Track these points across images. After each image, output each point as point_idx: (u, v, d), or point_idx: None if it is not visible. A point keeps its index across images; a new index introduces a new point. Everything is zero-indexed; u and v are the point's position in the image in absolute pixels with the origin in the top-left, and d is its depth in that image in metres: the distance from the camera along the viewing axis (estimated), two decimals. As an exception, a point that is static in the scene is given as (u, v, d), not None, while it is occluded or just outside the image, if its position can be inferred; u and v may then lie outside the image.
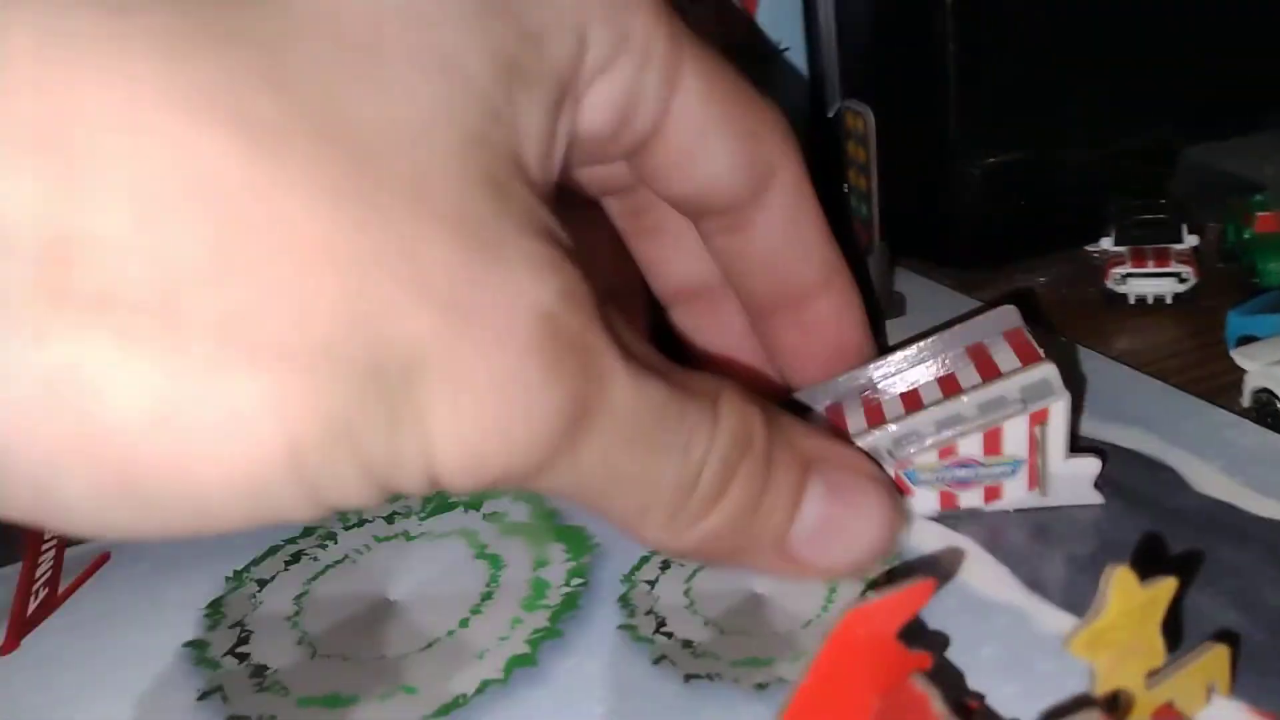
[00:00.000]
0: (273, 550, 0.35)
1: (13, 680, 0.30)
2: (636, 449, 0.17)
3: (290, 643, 0.30)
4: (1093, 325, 0.44)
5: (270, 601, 0.32)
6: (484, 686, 0.28)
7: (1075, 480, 0.28)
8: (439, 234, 0.14)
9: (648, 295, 0.28)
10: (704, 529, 0.18)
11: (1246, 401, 0.37)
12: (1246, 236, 0.46)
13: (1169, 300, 0.45)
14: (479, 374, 0.14)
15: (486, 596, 0.31)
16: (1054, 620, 0.28)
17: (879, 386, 0.30)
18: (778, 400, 0.26)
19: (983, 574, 0.30)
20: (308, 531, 0.35)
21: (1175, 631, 0.26)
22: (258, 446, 0.13)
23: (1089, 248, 0.48)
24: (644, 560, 0.32)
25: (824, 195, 0.57)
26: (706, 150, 0.20)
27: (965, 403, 0.27)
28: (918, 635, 0.27)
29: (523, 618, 0.30)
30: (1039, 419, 0.26)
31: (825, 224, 0.23)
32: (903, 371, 0.30)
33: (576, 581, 0.32)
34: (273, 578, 0.33)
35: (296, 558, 0.34)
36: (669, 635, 0.29)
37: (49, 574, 0.33)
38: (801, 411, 0.29)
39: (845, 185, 0.49)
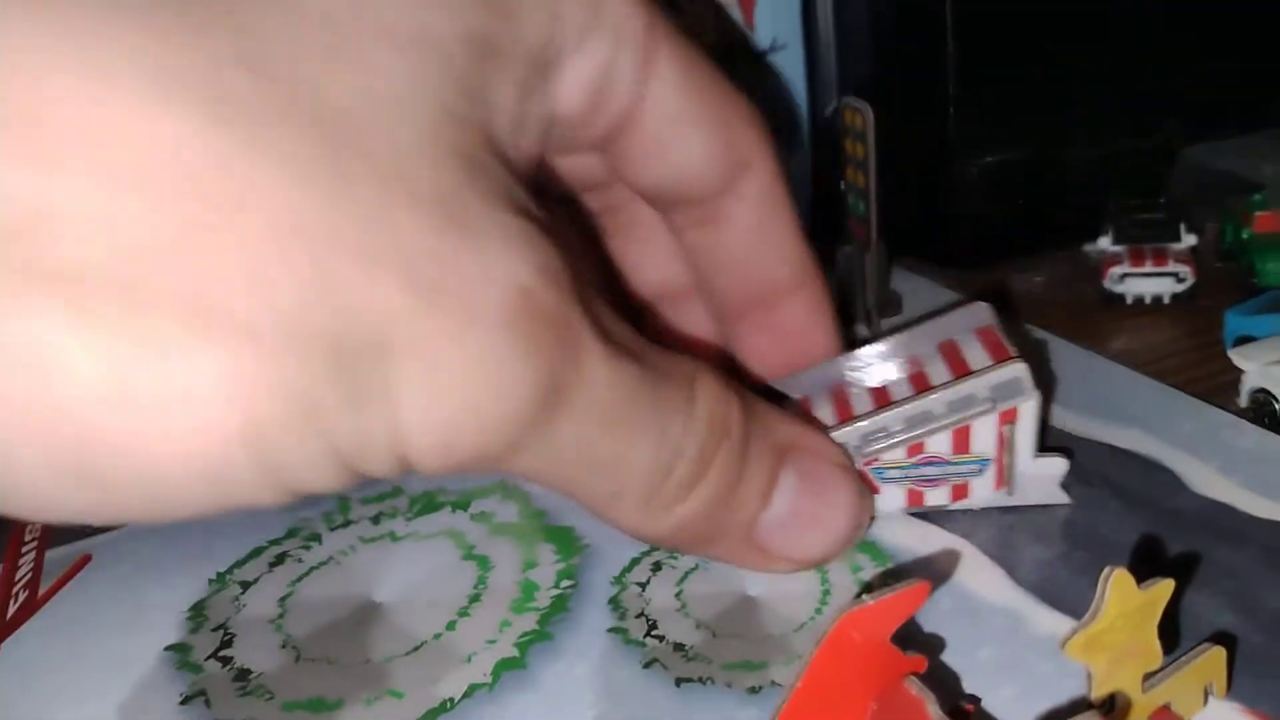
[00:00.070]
0: (256, 552, 0.34)
1: (-8, 684, 0.29)
2: (612, 430, 0.16)
3: (274, 646, 0.30)
4: (1090, 325, 0.44)
5: (254, 604, 0.32)
6: (471, 690, 0.27)
7: (1042, 480, 0.27)
8: (410, 209, 0.13)
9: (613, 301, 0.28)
10: (679, 515, 0.18)
11: (1244, 401, 0.36)
12: (1245, 236, 0.46)
13: (1167, 300, 0.45)
14: (450, 351, 0.14)
15: (474, 599, 0.31)
16: (1050, 622, 0.27)
17: (849, 381, 0.29)
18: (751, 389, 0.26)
19: (979, 576, 0.29)
20: (292, 533, 0.35)
21: (1172, 633, 0.26)
22: (214, 424, 0.13)
23: (1087, 247, 0.48)
24: (635, 562, 0.32)
25: (823, 194, 0.56)
26: (680, 138, 0.20)
27: (935, 400, 0.27)
28: (912, 638, 0.26)
29: (511, 620, 0.30)
30: (1008, 418, 0.25)
31: (798, 224, 0.23)
32: (873, 367, 0.29)
33: (566, 583, 0.31)
34: (256, 580, 0.33)
35: (281, 559, 0.34)
36: (660, 638, 0.28)
37: (29, 576, 0.32)
38: (776, 399, 0.29)
39: (842, 182, 0.49)
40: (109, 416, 0.12)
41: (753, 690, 0.26)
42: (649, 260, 0.23)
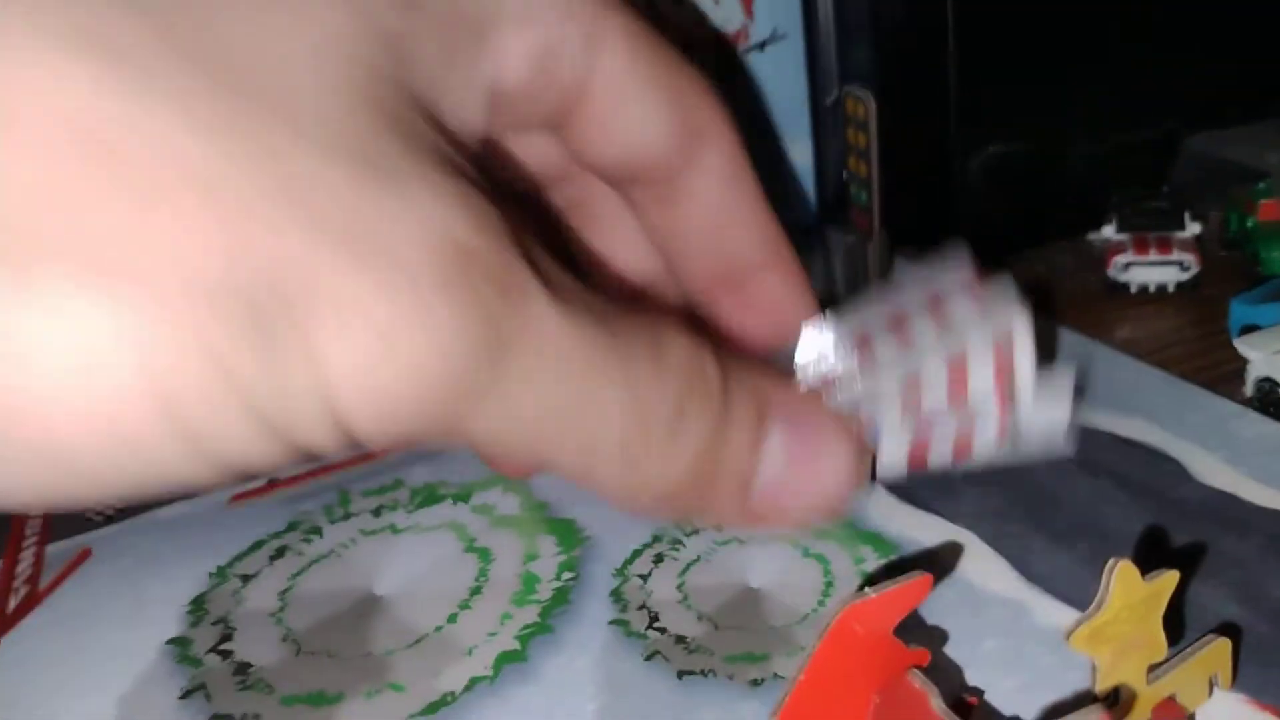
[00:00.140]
0: (257, 545, 0.34)
1: (-8, 678, 0.29)
2: (573, 385, 0.15)
3: (274, 639, 0.30)
4: (1095, 314, 0.44)
5: (254, 598, 0.31)
6: (473, 684, 0.27)
7: (1046, 430, 0.25)
8: (327, 160, 0.13)
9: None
10: (663, 471, 0.17)
11: (1250, 391, 0.36)
12: (1249, 225, 0.46)
13: (1171, 289, 0.44)
14: (379, 306, 0.13)
15: (475, 591, 0.31)
16: (1054, 613, 0.27)
17: (833, 345, 0.27)
18: None
19: (982, 567, 0.29)
20: (292, 526, 0.35)
21: (1177, 625, 0.26)
22: (120, 388, 0.12)
23: (1091, 236, 0.47)
24: (636, 554, 0.31)
25: (826, 183, 0.56)
26: (634, 108, 0.19)
27: (923, 335, 0.25)
28: (916, 630, 0.26)
29: (512, 613, 0.30)
30: (1005, 368, 0.24)
31: (764, 198, 0.22)
32: (856, 327, 0.28)
33: (567, 576, 0.31)
34: (257, 573, 0.33)
35: (281, 552, 0.33)
36: (662, 631, 0.28)
37: (29, 571, 0.32)
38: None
39: (844, 172, 0.49)
40: (4, 384, 0.11)
41: (755, 683, 0.26)
42: (618, 249, 0.23)
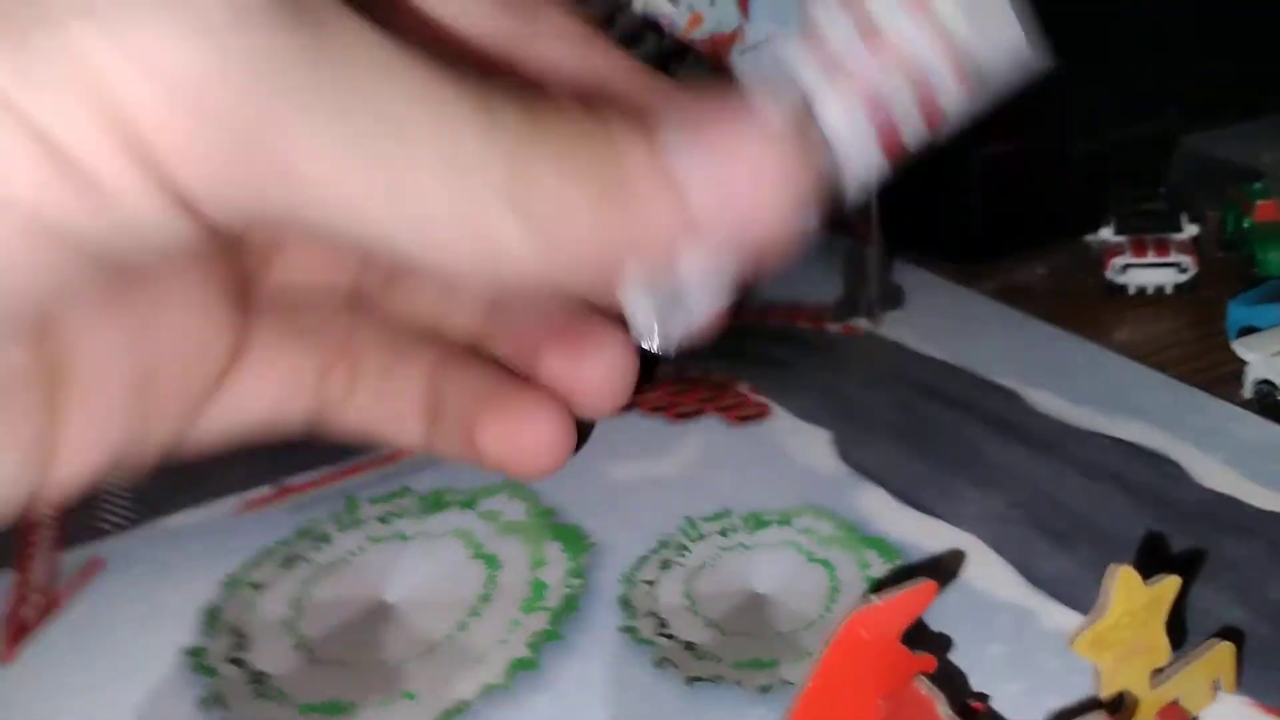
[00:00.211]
0: (266, 552, 0.34)
1: (13, 690, 0.29)
2: (387, 84, 0.13)
3: (288, 648, 0.30)
4: (1093, 316, 0.44)
5: (267, 606, 0.32)
6: (486, 691, 0.27)
7: (1000, 43, 0.18)
8: None
9: None
10: (547, 203, 0.14)
11: (1248, 393, 0.37)
12: (1246, 225, 0.46)
13: (1169, 290, 0.45)
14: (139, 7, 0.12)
15: (485, 598, 0.31)
16: (1059, 617, 0.28)
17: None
18: None
19: (987, 572, 0.30)
20: (301, 533, 0.35)
21: (1180, 629, 0.26)
22: None
23: (1088, 237, 0.48)
24: (643, 560, 0.32)
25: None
26: None
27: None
28: (922, 636, 0.27)
29: (522, 620, 0.30)
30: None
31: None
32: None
33: (575, 582, 0.31)
34: (268, 581, 0.33)
35: (291, 560, 0.34)
36: (671, 637, 0.29)
37: (43, 580, 0.33)
38: None
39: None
40: None
41: (763, 689, 0.26)
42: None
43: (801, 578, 0.30)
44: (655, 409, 0.41)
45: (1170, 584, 0.23)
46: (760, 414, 0.40)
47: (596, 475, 0.37)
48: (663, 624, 0.29)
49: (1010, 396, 0.39)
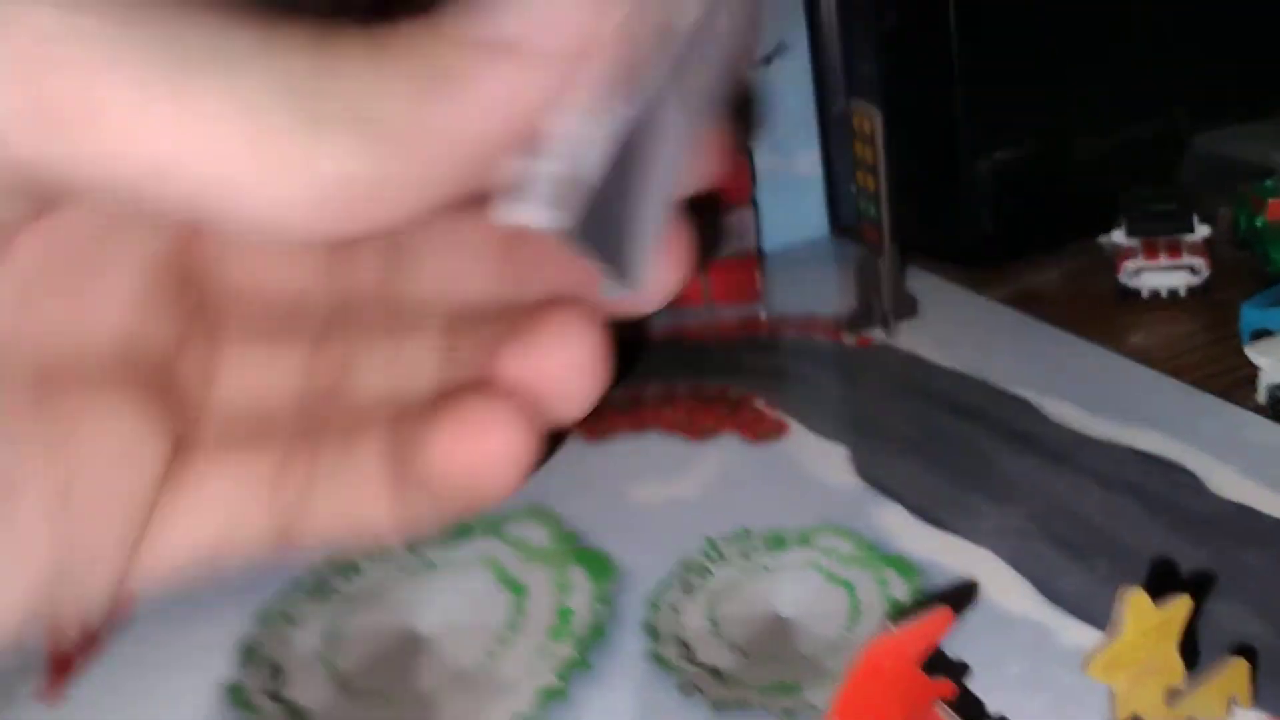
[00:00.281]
0: (296, 584, 0.35)
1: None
2: (211, 40, 0.12)
3: (323, 680, 0.31)
4: (1107, 321, 0.44)
5: (301, 638, 0.33)
6: (515, 720, 0.28)
7: None
8: None
9: None
10: (372, 118, 0.12)
11: (1262, 398, 0.37)
12: (1258, 224, 0.46)
13: (1182, 293, 0.45)
14: None
15: (513, 627, 0.32)
16: (1077, 634, 0.28)
17: None
18: None
19: (1005, 589, 0.30)
20: (330, 564, 0.36)
21: (1195, 645, 0.26)
22: None
23: (1101, 239, 0.48)
24: (665, 584, 0.32)
25: (835, 194, 0.56)
26: None
27: None
28: (941, 662, 0.27)
29: (550, 648, 0.31)
30: None
31: None
32: None
33: (601, 608, 0.32)
34: (301, 613, 0.34)
35: (321, 590, 0.35)
36: (696, 662, 0.29)
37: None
38: None
39: (853, 186, 0.49)
40: None
41: (788, 714, 0.27)
42: None
43: (823, 599, 0.31)
44: (674, 427, 0.42)
45: (1181, 605, 0.23)
46: (778, 430, 0.40)
47: (617, 497, 0.38)
48: (687, 649, 0.30)
49: (1025, 406, 0.39)
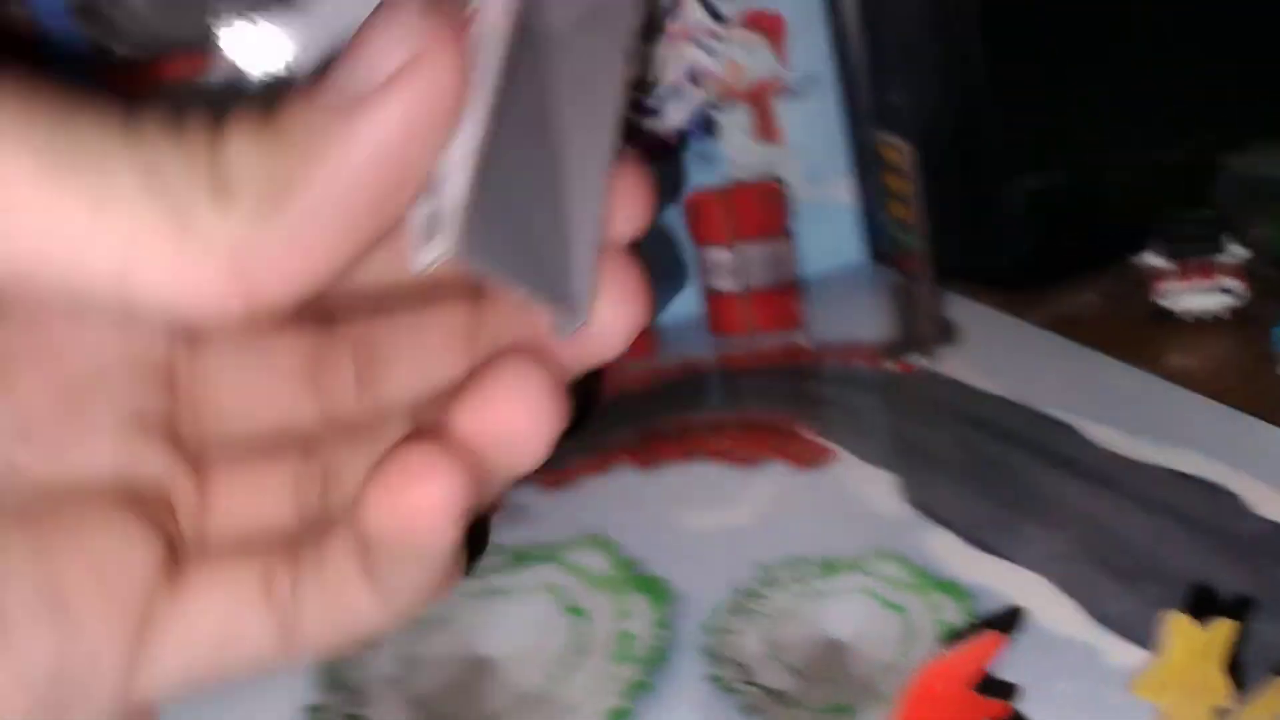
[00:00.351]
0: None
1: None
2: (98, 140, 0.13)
3: (402, 703, 0.32)
4: (1145, 343, 0.45)
5: (377, 662, 0.34)
6: (584, 741, 0.30)
7: None
8: None
9: None
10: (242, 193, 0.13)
11: (1301, 419, 0.38)
12: (1294, 244, 0.47)
13: (1220, 314, 0.46)
14: None
15: (577, 650, 0.33)
16: (1125, 654, 0.29)
17: None
18: None
19: (1054, 612, 0.31)
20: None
21: (1242, 666, 0.27)
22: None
23: (1135, 259, 0.49)
24: (722, 608, 0.34)
25: (872, 223, 0.57)
26: None
27: None
28: (990, 684, 0.28)
29: (613, 671, 0.32)
30: None
31: None
32: None
33: (662, 632, 0.33)
34: (377, 638, 0.35)
35: (396, 620, 0.36)
36: (755, 684, 0.30)
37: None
38: None
39: (886, 216, 0.51)
40: None
41: (846, 733, 0.28)
42: None
43: (876, 624, 0.32)
44: (722, 455, 0.43)
45: (1224, 627, 0.24)
46: (825, 458, 0.41)
47: (671, 525, 0.39)
48: (746, 671, 0.31)
49: (1068, 430, 0.40)
